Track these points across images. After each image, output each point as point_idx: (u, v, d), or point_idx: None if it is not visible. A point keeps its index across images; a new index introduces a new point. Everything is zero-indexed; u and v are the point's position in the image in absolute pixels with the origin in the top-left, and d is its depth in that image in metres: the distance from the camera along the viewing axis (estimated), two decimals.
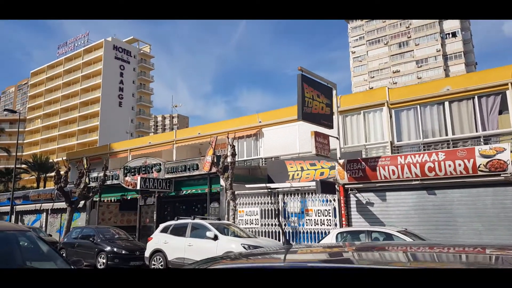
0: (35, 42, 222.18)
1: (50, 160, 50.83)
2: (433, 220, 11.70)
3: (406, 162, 11.81)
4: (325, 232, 13.43)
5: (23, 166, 53.89)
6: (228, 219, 14.69)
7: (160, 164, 18.89)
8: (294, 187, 14.43)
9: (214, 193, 16.99)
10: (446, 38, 71.07)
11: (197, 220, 11.88)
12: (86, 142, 67.19)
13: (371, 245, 2.96)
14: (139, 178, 18.03)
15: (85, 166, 21.02)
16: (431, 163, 11.36)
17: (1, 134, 72.67)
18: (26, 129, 78.35)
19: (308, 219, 13.81)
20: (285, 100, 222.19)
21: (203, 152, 23.42)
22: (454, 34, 70.61)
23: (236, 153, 15.03)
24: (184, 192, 18.19)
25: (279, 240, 13.74)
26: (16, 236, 4.66)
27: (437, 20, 71.13)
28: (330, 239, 9.10)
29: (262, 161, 20.10)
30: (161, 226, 12.75)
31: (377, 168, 12.32)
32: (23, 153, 73.16)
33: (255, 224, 14.85)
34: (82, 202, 21.33)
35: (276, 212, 14.48)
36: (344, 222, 12.95)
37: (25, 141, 77.36)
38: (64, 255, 15.31)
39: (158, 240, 12.17)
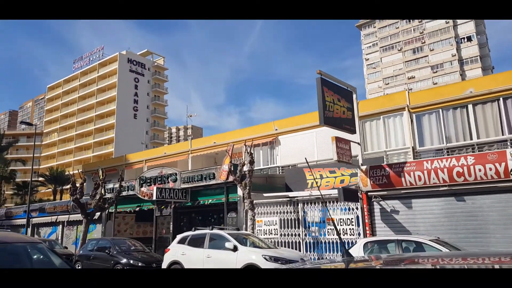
0: (52, 57, 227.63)
1: (66, 173, 51.31)
2: (463, 228, 11.08)
3: (433, 167, 11.26)
4: (348, 242, 12.89)
5: (40, 179, 54.56)
6: (246, 229, 14.28)
7: (176, 174, 18.65)
8: (314, 195, 13.95)
9: (231, 203, 16.63)
10: (461, 42, 69.95)
11: (215, 231, 11.51)
12: (101, 154, 67.82)
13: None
14: (155, 188, 17.79)
15: (101, 177, 20.94)
16: (460, 168, 10.79)
17: (19, 148, 74.00)
18: (43, 143, 79.60)
19: (330, 229, 13.29)
20: (298, 109, 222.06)
21: (219, 162, 23.17)
22: (469, 38, 69.47)
23: (254, 160, 14.67)
24: (201, 202, 17.86)
25: (300, 251, 13.25)
26: (27, 248, 4.36)
27: (452, 25, 70.20)
28: (357, 249, 8.61)
29: (279, 170, 19.70)
30: (178, 237, 12.41)
31: (402, 174, 11.79)
32: (40, 166, 74.25)
33: (274, 234, 14.39)
34: (97, 214, 21.20)
35: (296, 222, 14.02)
36: (368, 232, 12.40)
37: (42, 155, 78.54)
38: (80, 267, 15.11)
39: (176, 251, 11.82)
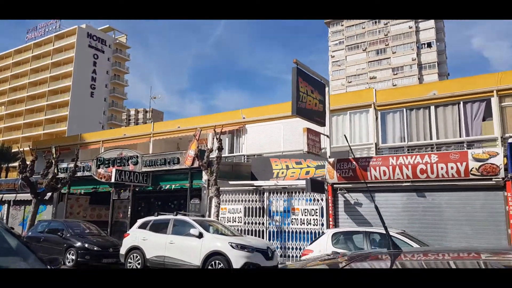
0: (2, 27, 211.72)
1: (14, 150, 48.16)
2: (422, 223, 11.52)
3: (398, 163, 11.58)
4: (311, 232, 13.04)
5: None
6: (210, 216, 14.03)
7: (137, 157, 17.96)
8: (281, 185, 13.95)
9: (195, 189, 16.27)
10: (422, 48, 72.97)
11: (179, 216, 11.16)
12: (53, 132, 64.30)
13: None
14: (114, 170, 17.02)
15: (54, 155, 19.73)
16: (423, 165, 11.17)
17: None
18: None
19: (294, 218, 13.36)
20: (262, 100, 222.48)
21: (182, 147, 22.60)
22: (429, 45, 72.60)
23: (223, 147, 14.38)
24: (164, 187, 17.33)
25: (263, 239, 13.22)
26: None
27: (414, 30, 72.95)
28: (325, 240, 8.66)
29: (244, 158, 19.54)
30: (139, 221, 11.93)
31: (368, 168, 12.03)
32: None
33: (238, 222, 14.26)
34: (49, 194, 19.99)
35: (261, 211, 13.96)
36: (331, 223, 12.58)
37: None
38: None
39: (136, 236, 11.35)
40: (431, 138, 16.30)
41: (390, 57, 74.69)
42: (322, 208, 12.99)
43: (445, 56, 73.77)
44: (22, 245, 4.33)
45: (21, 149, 20.76)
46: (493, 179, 10.30)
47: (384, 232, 8.47)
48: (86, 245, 13.09)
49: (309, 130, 11.82)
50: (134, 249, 11.20)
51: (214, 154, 14.64)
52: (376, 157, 12.37)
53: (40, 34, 73.17)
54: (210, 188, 14.10)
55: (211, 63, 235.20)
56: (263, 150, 18.68)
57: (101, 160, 19.11)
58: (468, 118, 15.81)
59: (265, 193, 14.16)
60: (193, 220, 10.75)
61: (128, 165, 18.03)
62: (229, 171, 15.85)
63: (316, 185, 12.25)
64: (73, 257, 12.95)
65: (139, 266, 10.92)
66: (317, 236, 12.13)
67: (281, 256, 12.98)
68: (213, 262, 9.56)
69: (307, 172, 15.63)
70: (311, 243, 9.48)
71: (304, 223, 13.19)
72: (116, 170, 16.94)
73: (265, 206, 14.01)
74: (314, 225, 13.03)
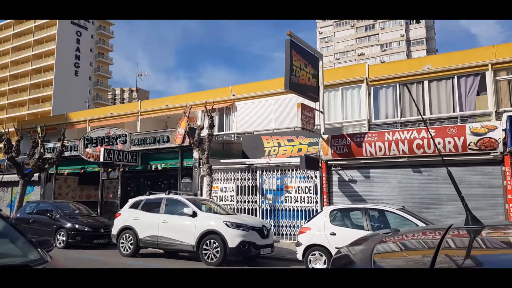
0: None
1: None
2: (417, 199, 11.47)
3: (394, 138, 11.40)
4: (305, 210, 12.93)
5: None
6: (202, 195, 13.79)
7: (125, 135, 17.47)
8: (273, 163, 13.71)
9: (186, 168, 15.95)
10: (411, 23, 72.32)
11: (172, 195, 10.88)
12: (38, 112, 62.71)
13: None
14: (102, 149, 16.56)
15: (40, 135, 19.11)
16: (420, 140, 11.01)
17: None
18: None
19: (288, 196, 13.20)
20: (250, 78, 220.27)
21: (170, 126, 22.10)
22: (418, 20, 71.96)
23: (215, 124, 14.00)
24: (154, 166, 16.97)
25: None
26: None
27: None
28: (323, 217, 8.50)
29: (234, 136, 19.20)
30: (131, 201, 11.62)
31: (363, 144, 11.84)
32: None
33: (231, 201, 14.06)
34: (36, 175, 19.50)
35: (253, 189, 13.76)
36: (325, 200, 12.46)
37: None
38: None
39: (128, 216, 11.07)
40: (424, 114, 16.15)
41: (378, 33, 74.04)
42: (316, 185, 12.84)
43: (434, 32, 73.45)
44: (11, 227, 4.06)
45: (6, 130, 20.08)
46: (491, 154, 10.21)
47: (382, 208, 8.37)
48: (77, 226, 12.81)
49: (303, 106, 11.51)
50: (126, 229, 10.94)
51: (204, 132, 14.27)
52: (372, 133, 12.17)
53: None
54: (201, 166, 13.80)
55: (198, 39, 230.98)
56: (253, 127, 18.33)
57: (88, 139, 18.58)
58: (462, 92, 15.65)
59: (258, 171, 13.93)
60: (186, 199, 10.49)
61: (117, 144, 17.56)
62: (219, 149, 15.54)
63: (310, 162, 12.05)
64: (64, 238, 12.67)
65: (131, 247, 10.69)
66: (311, 214, 12.03)
67: (274, 234, 12.88)
68: (208, 241, 9.36)
69: (299, 150, 15.41)
70: (308, 221, 9.32)
71: (297, 201, 13.05)
72: (104, 149, 16.49)
73: (257, 184, 13.81)
74: (308, 202, 12.90)
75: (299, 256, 8.61)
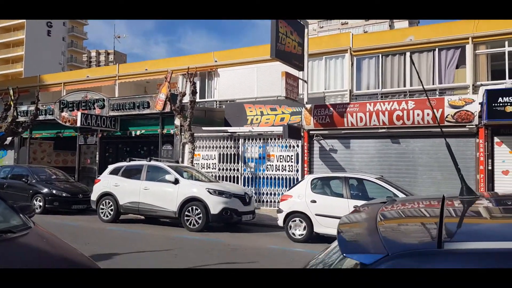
0: None
1: None
2: (394, 169, 11.80)
3: (375, 109, 11.55)
4: (286, 178, 13.12)
5: None
6: (183, 163, 13.75)
7: (103, 100, 17.00)
8: (256, 132, 13.72)
9: (167, 135, 15.77)
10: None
11: (153, 162, 10.79)
12: (8, 73, 59.92)
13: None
14: (79, 114, 16.11)
15: (12, 97, 18.35)
16: (400, 112, 11.19)
17: None
18: None
19: (269, 165, 13.33)
20: (232, 44, 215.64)
21: (150, 91, 21.61)
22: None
23: (197, 91, 13.77)
24: (133, 132, 16.68)
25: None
26: None
27: None
28: (304, 185, 8.66)
29: (216, 104, 18.99)
30: (110, 167, 11.47)
31: (345, 114, 11.95)
32: None
33: (212, 169, 14.10)
34: (9, 139, 18.88)
35: (236, 157, 13.80)
36: (306, 169, 12.66)
37: None
38: None
39: (107, 182, 10.96)
40: (404, 85, 16.32)
41: None
42: (297, 154, 12.99)
43: None
44: None
45: None
46: (466, 126, 10.50)
47: (361, 177, 8.58)
48: (54, 191, 12.61)
49: (287, 75, 11.42)
50: (106, 195, 10.85)
51: (186, 99, 14.04)
52: (354, 103, 12.28)
53: None
54: (183, 134, 13.67)
55: None
56: (236, 95, 18.14)
57: (64, 103, 17.99)
58: (442, 65, 15.83)
59: (240, 140, 13.94)
60: (168, 166, 10.43)
61: (94, 108, 17.10)
62: (201, 116, 15.38)
63: (293, 132, 12.12)
64: (41, 204, 12.49)
65: (112, 212, 10.66)
66: (292, 183, 12.23)
67: (256, 201, 13.08)
68: (190, 208, 9.43)
69: (282, 119, 15.43)
70: (290, 189, 9.48)
71: (279, 169, 13.21)
72: (81, 113, 16.05)
73: (240, 153, 13.85)
74: (289, 171, 13.08)
75: (280, 222, 8.81)
